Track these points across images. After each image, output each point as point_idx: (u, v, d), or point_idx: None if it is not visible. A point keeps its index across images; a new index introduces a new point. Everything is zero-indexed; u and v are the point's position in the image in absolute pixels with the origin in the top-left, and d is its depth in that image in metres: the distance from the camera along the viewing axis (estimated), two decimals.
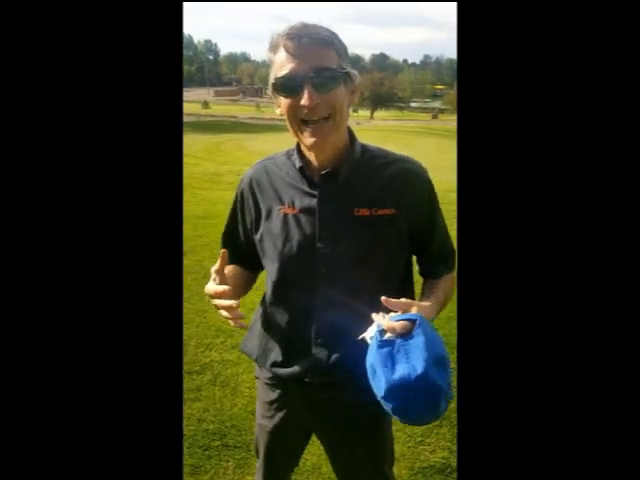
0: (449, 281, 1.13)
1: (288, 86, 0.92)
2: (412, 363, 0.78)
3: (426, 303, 0.96)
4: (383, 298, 0.87)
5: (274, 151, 1.13)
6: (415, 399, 0.78)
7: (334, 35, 0.93)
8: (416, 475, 1.83)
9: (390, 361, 0.80)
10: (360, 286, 1.02)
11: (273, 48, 0.93)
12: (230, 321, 0.94)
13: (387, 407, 0.82)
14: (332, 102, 0.92)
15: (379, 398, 0.82)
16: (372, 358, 0.83)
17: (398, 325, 0.82)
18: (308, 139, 0.94)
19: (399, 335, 0.82)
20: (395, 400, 0.80)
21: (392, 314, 0.87)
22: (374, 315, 0.88)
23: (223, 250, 0.98)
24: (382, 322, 0.85)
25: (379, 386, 0.81)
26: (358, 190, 1.01)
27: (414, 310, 0.87)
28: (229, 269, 1.17)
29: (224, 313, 0.94)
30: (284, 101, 0.94)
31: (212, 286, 0.97)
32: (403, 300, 0.89)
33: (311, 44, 0.89)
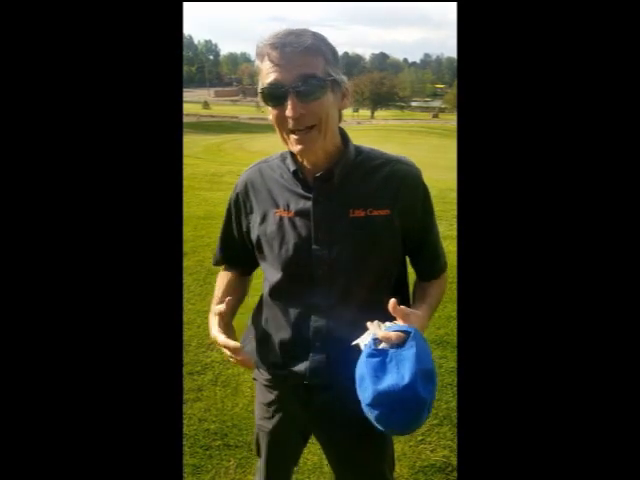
0: (441, 284, 1.15)
1: (273, 96, 0.92)
2: (401, 373, 0.80)
3: (420, 313, 0.99)
4: (392, 302, 0.88)
5: (275, 151, 1.13)
6: (399, 409, 0.81)
7: (321, 41, 0.92)
8: (417, 474, 1.83)
9: (381, 370, 0.82)
10: (357, 287, 1.02)
11: (259, 57, 0.93)
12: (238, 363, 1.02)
13: (371, 415, 0.84)
14: (317, 111, 0.92)
15: (364, 405, 0.84)
16: (362, 366, 0.85)
17: (394, 335, 0.85)
18: (295, 146, 0.95)
19: (393, 345, 0.84)
20: (380, 407, 0.82)
21: (387, 324, 0.89)
22: (369, 324, 0.90)
23: (229, 298, 1.04)
24: (377, 332, 0.86)
25: (366, 394, 0.83)
26: (353, 191, 1.01)
27: (413, 319, 0.90)
28: (226, 281, 1.21)
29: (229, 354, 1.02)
30: (271, 110, 0.94)
31: (222, 338, 1.01)
32: (404, 308, 0.90)
33: (295, 53, 0.88)
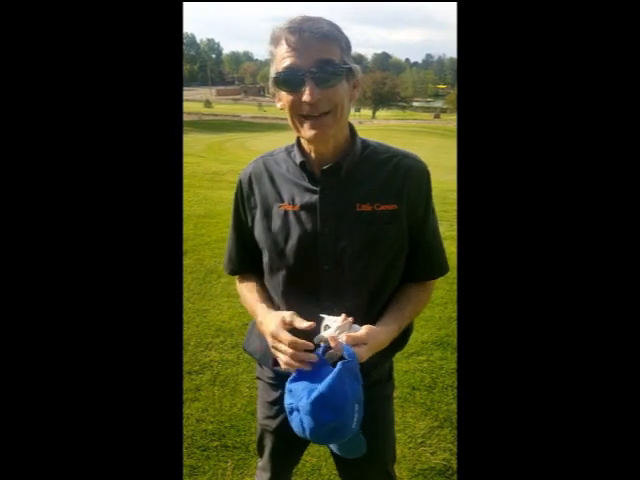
0: (422, 292, 1.10)
1: (289, 81, 0.90)
2: (313, 387, 0.87)
3: (381, 330, 0.96)
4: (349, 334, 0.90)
5: None
6: (296, 411, 0.90)
7: (337, 29, 0.91)
8: (417, 477, 1.82)
9: (311, 371, 0.90)
10: (363, 282, 1.01)
11: (274, 41, 0.91)
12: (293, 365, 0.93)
13: (284, 399, 0.94)
14: (333, 98, 0.90)
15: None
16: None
17: (339, 349, 0.88)
18: (308, 132, 0.93)
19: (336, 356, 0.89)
20: (287, 397, 0.93)
21: (339, 320, 0.91)
22: (330, 321, 0.92)
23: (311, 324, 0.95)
24: (331, 341, 0.89)
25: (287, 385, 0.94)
26: (360, 185, 1.00)
27: (361, 349, 0.90)
28: (257, 289, 1.13)
29: (288, 360, 0.93)
30: (285, 96, 0.93)
31: (287, 335, 0.93)
32: (360, 334, 0.90)
33: (313, 38, 0.87)
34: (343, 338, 0.89)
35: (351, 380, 0.87)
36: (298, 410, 0.88)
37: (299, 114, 0.93)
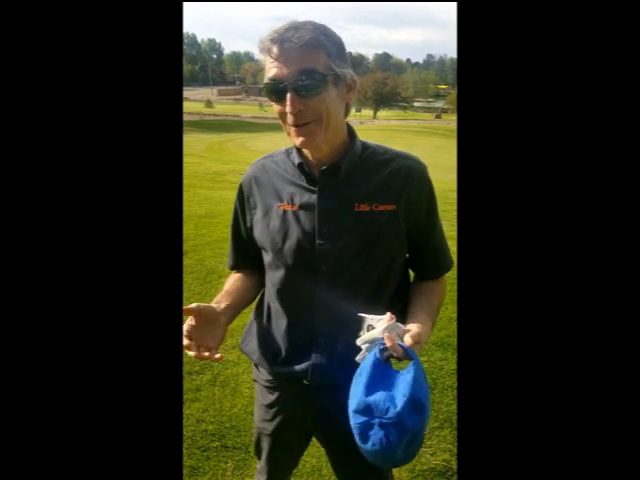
0: (442, 285, 1.13)
1: (273, 91, 0.92)
2: (393, 395, 0.81)
3: (425, 328, 0.96)
4: (407, 335, 0.87)
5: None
6: (377, 426, 0.81)
7: (324, 34, 0.90)
8: (417, 478, 1.82)
9: (378, 383, 0.83)
10: (362, 282, 1.01)
11: (262, 51, 0.92)
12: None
13: (353, 420, 0.84)
14: (317, 107, 0.90)
15: (350, 409, 0.84)
16: (365, 370, 0.85)
17: (401, 350, 0.85)
18: (297, 139, 0.94)
19: (398, 356, 0.85)
20: (360, 416, 0.82)
21: (385, 319, 0.87)
22: (374, 321, 0.89)
23: (198, 305, 0.96)
24: (387, 341, 0.85)
25: (354, 399, 0.84)
26: (358, 185, 1.00)
27: (417, 345, 0.87)
28: (232, 280, 1.17)
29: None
30: (274, 105, 0.95)
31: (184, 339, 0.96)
32: (416, 332, 0.88)
33: (293, 48, 0.87)
34: (408, 339, 0.86)
35: (425, 380, 0.84)
36: (381, 425, 0.80)
37: (286, 123, 0.94)
